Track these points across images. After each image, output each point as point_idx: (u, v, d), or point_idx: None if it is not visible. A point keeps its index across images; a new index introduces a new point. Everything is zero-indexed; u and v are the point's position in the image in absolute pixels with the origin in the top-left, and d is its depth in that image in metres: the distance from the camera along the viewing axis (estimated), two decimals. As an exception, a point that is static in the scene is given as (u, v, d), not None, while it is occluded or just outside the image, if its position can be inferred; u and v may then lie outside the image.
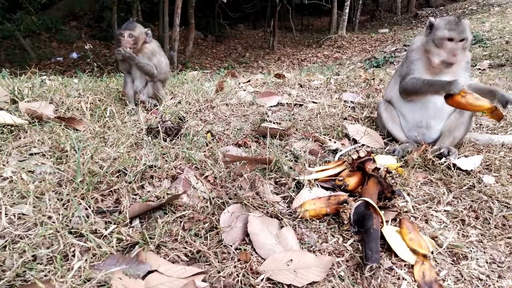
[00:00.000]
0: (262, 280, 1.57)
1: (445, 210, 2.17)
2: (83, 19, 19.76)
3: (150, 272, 1.56)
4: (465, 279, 1.69)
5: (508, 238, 1.98)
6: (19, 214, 1.75)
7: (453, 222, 2.08)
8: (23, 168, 2.08)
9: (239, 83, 4.58)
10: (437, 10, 23.49)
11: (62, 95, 3.34)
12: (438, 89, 2.67)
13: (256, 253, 1.74)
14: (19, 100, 3.03)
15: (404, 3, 26.31)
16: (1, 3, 13.60)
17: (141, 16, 17.00)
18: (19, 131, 2.55)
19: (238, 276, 1.58)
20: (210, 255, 1.68)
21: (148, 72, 3.48)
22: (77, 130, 2.67)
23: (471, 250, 1.86)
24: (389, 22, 23.95)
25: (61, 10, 19.01)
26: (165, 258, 1.65)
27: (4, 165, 2.12)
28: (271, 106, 3.67)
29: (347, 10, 20.42)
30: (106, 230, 1.72)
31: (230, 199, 2.09)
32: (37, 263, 1.50)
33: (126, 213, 1.85)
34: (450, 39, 2.67)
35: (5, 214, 1.73)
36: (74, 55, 15.90)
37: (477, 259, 1.82)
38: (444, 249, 1.85)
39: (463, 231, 2.02)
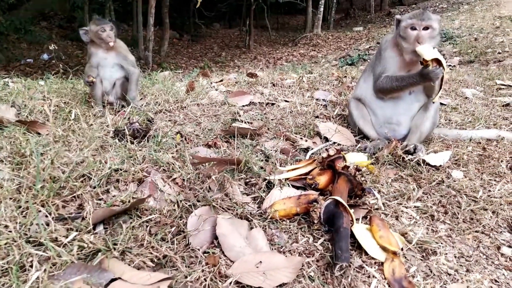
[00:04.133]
0: (230, 283, 1.53)
1: (415, 206, 2.18)
2: (53, 19, 19.28)
3: (113, 280, 1.50)
4: (434, 275, 1.70)
5: (476, 232, 2.00)
6: (-27, 224, 1.66)
7: (423, 217, 2.10)
8: (-21, 175, 1.98)
9: (211, 83, 4.52)
10: (409, 8, 23.95)
11: (24, 98, 3.21)
12: (415, 82, 2.73)
13: (225, 256, 1.71)
14: (-22, 104, 2.90)
15: (377, 2, 26.74)
16: (-34, 3, 13.13)
17: (114, 16, 16.71)
18: (-23, 136, 2.43)
19: (206, 281, 1.53)
20: (177, 259, 1.63)
21: (137, 82, 3.52)
22: (39, 134, 2.57)
23: (440, 245, 1.87)
24: (363, 20, 24.29)
25: (30, 10, 18.47)
26: (129, 265, 1.59)
27: (-42, 172, 2.01)
28: (243, 106, 3.63)
29: (321, 9, 20.58)
30: (67, 237, 1.65)
31: (199, 201, 2.04)
32: (-9, 276, 1.42)
33: (89, 219, 1.77)
34: (413, 28, 2.71)
35: (-42, 224, 1.63)
36: (45, 56, 15.50)
37: (446, 254, 1.83)
38: (413, 245, 1.85)
39: (432, 227, 2.03)
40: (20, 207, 1.77)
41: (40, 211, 1.77)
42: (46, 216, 1.75)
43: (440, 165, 2.61)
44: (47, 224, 1.71)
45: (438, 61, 2.59)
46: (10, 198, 1.81)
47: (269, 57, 18.53)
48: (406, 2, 26.45)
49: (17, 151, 2.21)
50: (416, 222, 2.05)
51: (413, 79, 2.73)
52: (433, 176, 2.48)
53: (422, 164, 2.59)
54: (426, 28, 2.70)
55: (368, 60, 12.12)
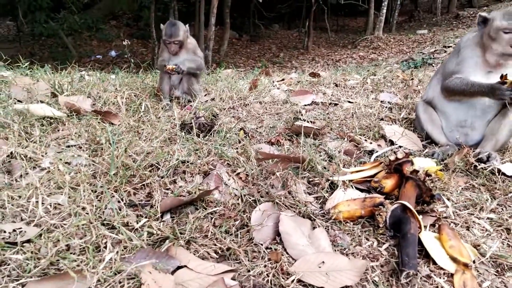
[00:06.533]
0: (292, 281, 1.52)
1: (488, 218, 2.04)
2: (122, 18, 20.34)
3: (179, 267, 1.55)
4: (510, 292, 1.59)
5: (558, 251, 1.84)
6: (55, 204, 1.79)
7: (497, 230, 1.96)
8: (60, 159, 2.13)
9: (273, 82, 4.54)
10: (479, 10, 22.58)
11: (99, 89, 3.41)
12: (483, 93, 2.58)
13: (287, 253, 1.70)
14: (59, 94, 3.12)
15: (444, 4, 25.41)
16: (46, 3, 14.20)
17: (177, 16, 17.22)
18: (58, 123, 2.62)
19: (268, 276, 1.54)
20: (240, 253, 1.65)
21: (197, 67, 3.60)
22: (112, 124, 2.71)
23: (517, 262, 1.74)
24: (428, 23, 23.20)
25: (101, 9, 19.65)
26: (194, 254, 1.63)
27: (42, 155, 2.18)
28: (305, 105, 3.61)
29: (384, 11, 19.93)
30: (137, 223, 1.72)
31: (262, 197, 2.05)
32: (70, 253, 1.52)
33: (157, 207, 1.85)
34: (507, 32, 2.52)
35: (42, 203, 1.76)
36: (113, 53, 16.38)
37: (524, 271, 1.70)
38: (487, 258, 1.73)
39: (509, 241, 1.89)
40: (95, 191, 1.89)
41: (113, 196, 1.87)
42: (119, 202, 1.85)
43: (517, 176, 2.43)
44: (119, 209, 1.80)
45: None
46: (88, 183, 1.92)
47: (327, 58, 18.28)
48: (477, 4, 24.92)
49: (93, 139, 2.35)
50: (490, 235, 1.92)
51: (482, 89, 2.55)
52: (509, 188, 2.32)
53: (497, 174, 2.42)
54: None
55: (433, 65, 11.59)
